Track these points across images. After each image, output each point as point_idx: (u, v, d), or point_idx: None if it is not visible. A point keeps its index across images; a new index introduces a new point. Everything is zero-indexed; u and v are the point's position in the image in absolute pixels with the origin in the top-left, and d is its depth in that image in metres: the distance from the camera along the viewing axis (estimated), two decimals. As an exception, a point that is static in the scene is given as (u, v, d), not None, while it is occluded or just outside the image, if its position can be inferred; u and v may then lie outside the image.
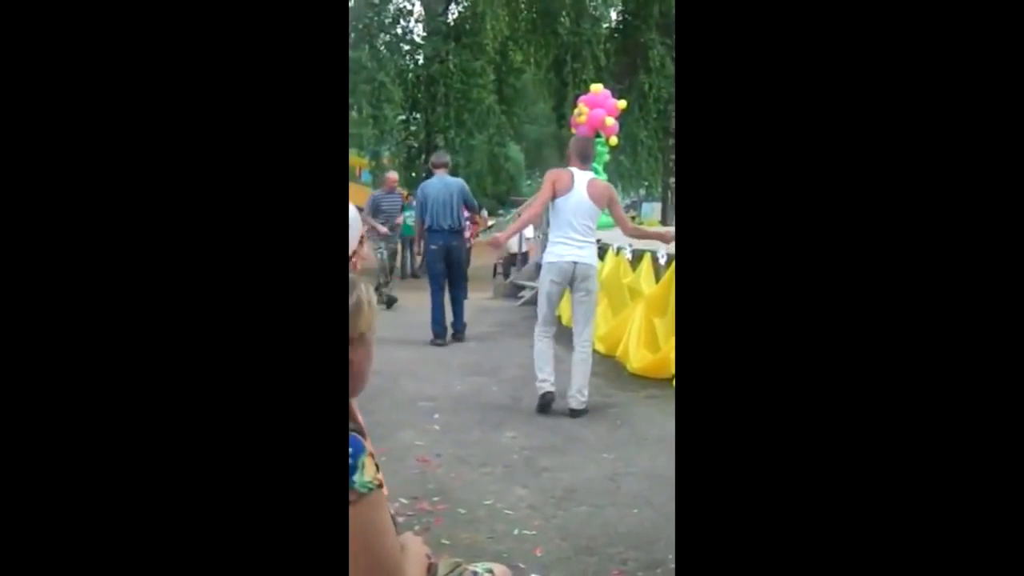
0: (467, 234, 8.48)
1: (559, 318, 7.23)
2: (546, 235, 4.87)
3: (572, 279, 4.22)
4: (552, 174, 4.30)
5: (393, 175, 9.04)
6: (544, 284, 4.32)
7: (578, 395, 4.19)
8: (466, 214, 7.03)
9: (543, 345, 4.31)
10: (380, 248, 8.47)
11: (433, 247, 6.43)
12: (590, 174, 4.34)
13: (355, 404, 1.32)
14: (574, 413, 4.16)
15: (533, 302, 8.51)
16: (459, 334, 6.50)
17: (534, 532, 2.65)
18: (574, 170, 4.24)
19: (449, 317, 6.49)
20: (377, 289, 8.34)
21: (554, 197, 4.19)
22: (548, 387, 4.23)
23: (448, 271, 6.47)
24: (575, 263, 4.17)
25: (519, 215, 6.70)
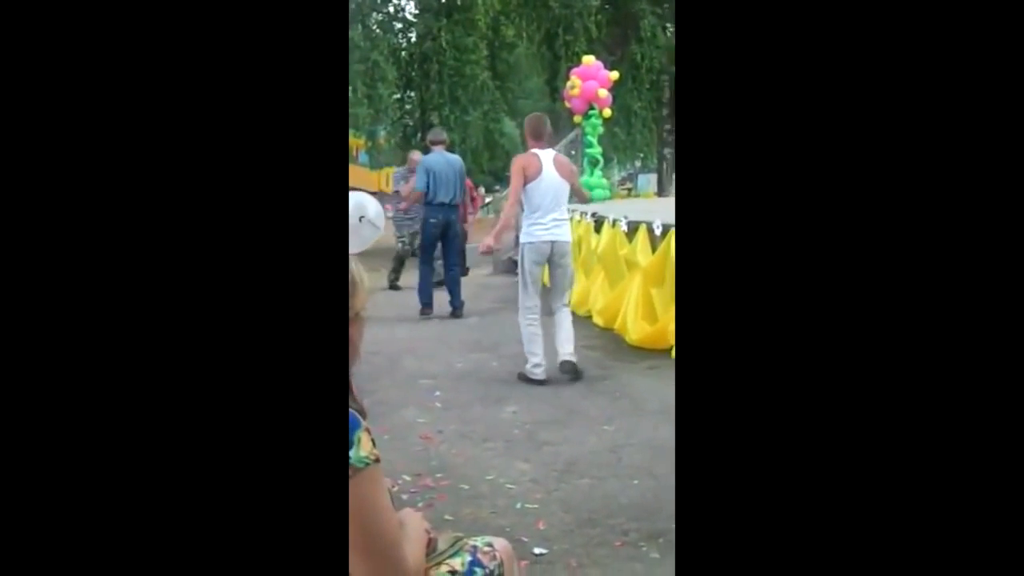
0: (470, 210, 8.48)
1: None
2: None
3: (551, 256, 4.35)
4: (520, 162, 4.35)
5: (416, 154, 8.79)
6: (526, 265, 4.39)
7: (571, 350, 4.36)
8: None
9: (534, 328, 4.39)
10: (403, 236, 8.39)
11: (432, 220, 6.44)
12: (551, 151, 4.44)
13: (354, 383, 1.33)
14: (570, 366, 4.31)
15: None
16: (457, 311, 6.53)
17: (536, 506, 2.68)
18: (537, 152, 4.34)
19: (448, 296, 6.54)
20: (393, 273, 8.25)
21: (526, 183, 4.27)
22: (542, 373, 4.34)
23: (444, 247, 6.52)
24: (552, 242, 4.31)
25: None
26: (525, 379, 4.37)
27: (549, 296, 4.55)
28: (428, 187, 6.30)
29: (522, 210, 4.46)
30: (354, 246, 1.81)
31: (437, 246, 6.54)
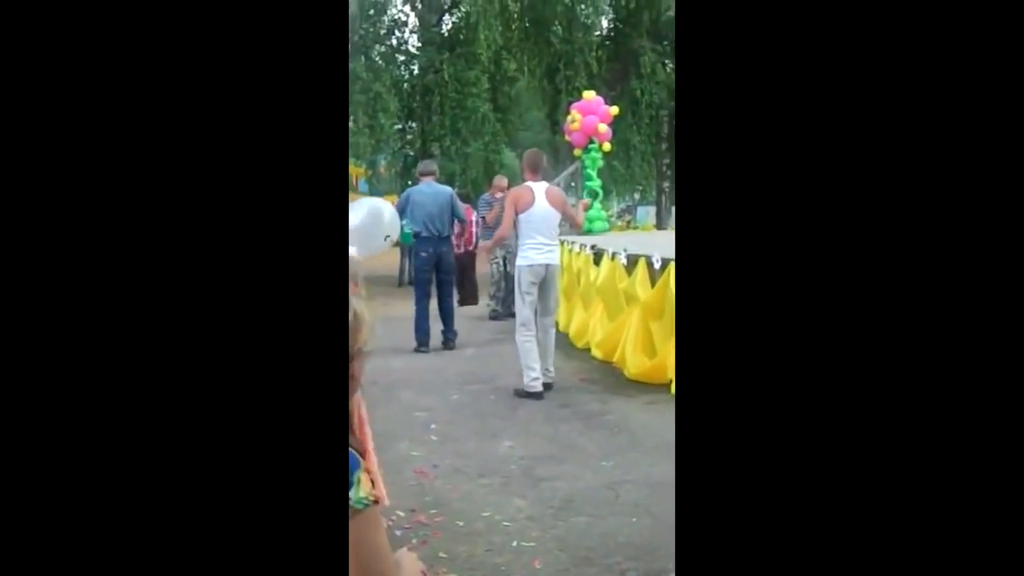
0: (463, 240, 8.43)
1: (556, 324, 7.24)
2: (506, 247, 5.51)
3: (544, 278, 4.82)
4: (512, 195, 4.95)
5: (502, 179, 8.66)
6: (523, 287, 4.84)
7: (548, 371, 4.86)
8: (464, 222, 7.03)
9: (530, 344, 4.79)
10: (496, 258, 8.15)
11: (423, 254, 6.39)
12: (544, 183, 4.93)
13: (365, 420, 1.31)
14: (545, 387, 4.74)
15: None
16: (450, 343, 6.47)
17: (532, 544, 2.62)
18: (531, 184, 4.87)
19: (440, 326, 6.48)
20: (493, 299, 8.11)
21: (519, 213, 4.78)
22: (539, 386, 4.70)
23: (437, 279, 6.47)
24: (547, 265, 4.81)
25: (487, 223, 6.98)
26: (524, 394, 4.66)
27: (536, 315, 4.95)
28: (412, 220, 6.25)
29: (516, 236, 5.01)
30: (364, 251, 1.79)
31: (431, 280, 6.45)
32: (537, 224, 4.75)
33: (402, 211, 6.21)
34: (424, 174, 6.63)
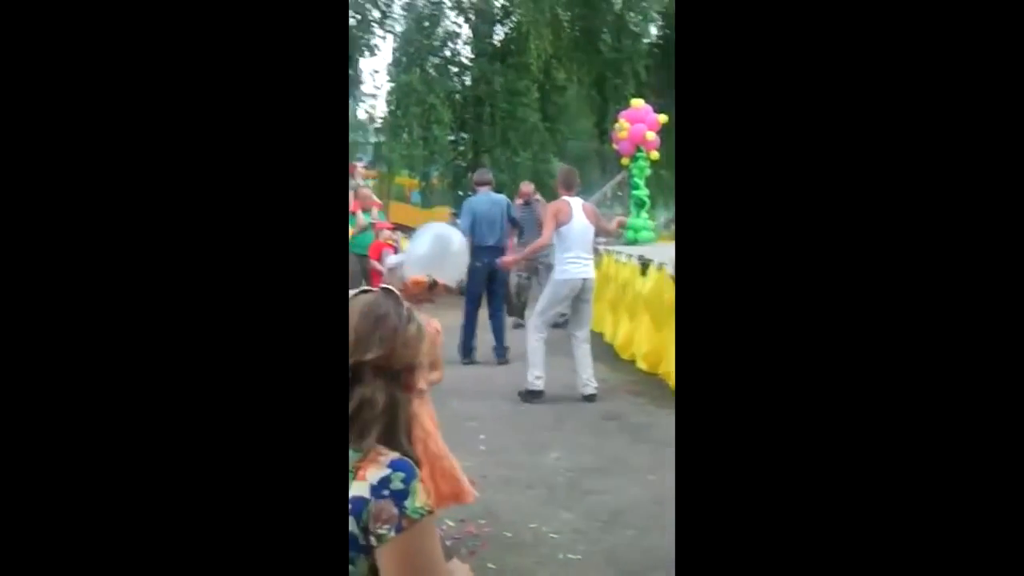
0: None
1: (602, 335, 7.24)
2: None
3: (580, 292, 4.93)
4: (553, 207, 5.04)
5: (527, 185, 8.37)
6: (559, 295, 4.98)
7: (590, 383, 4.93)
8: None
9: (539, 344, 4.96)
10: (522, 269, 7.84)
11: (479, 264, 6.10)
12: (579, 199, 5.10)
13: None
14: (590, 399, 4.86)
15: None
16: (502, 359, 6.31)
17: (579, 557, 2.67)
18: (568, 199, 4.99)
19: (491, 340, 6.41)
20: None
21: (559, 226, 4.88)
22: (541, 384, 4.92)
23: (490, 290, 6.35)
24: (584, 279, 4.93)
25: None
26: (527, 394, 4.92)
27: (569, 328, 5.13)
28: (472, 230, 6.11)
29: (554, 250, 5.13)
30: (448, 276, 1.81)
31: (483, 292, 6.32)
32: (576, 239, 4.89)
33: (471, 225, 6.13)
34: (480, 183, 6.55)
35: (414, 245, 1.81)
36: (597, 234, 5.28)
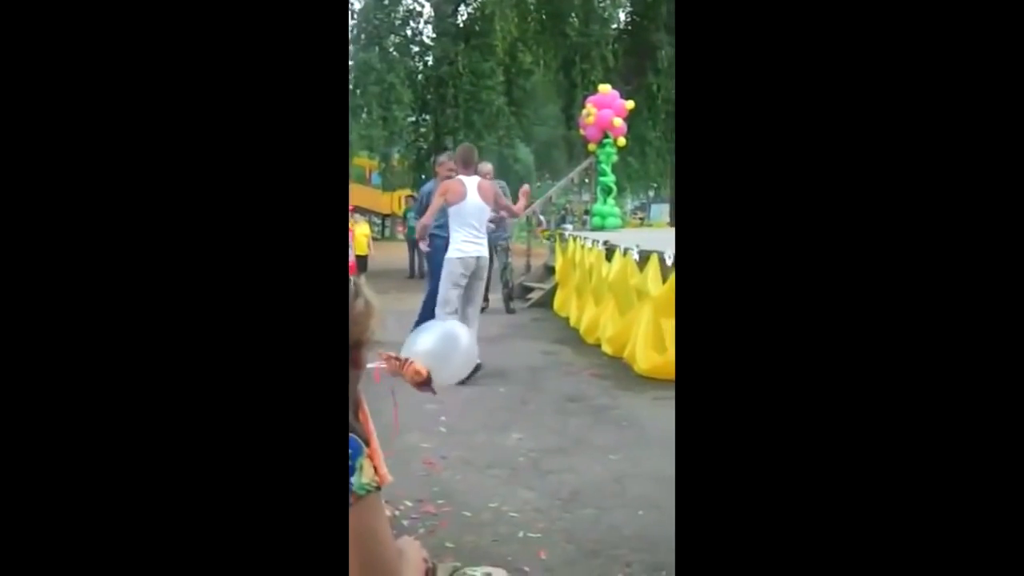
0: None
1: (567, 319, 7.23)
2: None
3: (474, 270, 4.97)
4: (443, 186, 5.04)
5: (485, 165, 8.32)
6: (455, 275, 4.96)
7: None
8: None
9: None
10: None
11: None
12: (476, 178, 5.06)
13: (365, 406, 1.31)
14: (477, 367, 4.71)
15: (541, 304, 8.52)
16: None
17: (539, 535, 2.63)
18: (463, 178, 4.98)
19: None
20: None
21: (451, 206, 4.91)
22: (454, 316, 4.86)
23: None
24: (478, 257, 4.97)
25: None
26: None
27: (460, 303, 5.07)
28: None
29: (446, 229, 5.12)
30: (448, 377, 1.71)
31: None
32: (468, 217, 4.93)
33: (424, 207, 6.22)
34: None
35: (420, 337, 1.72)
36: (496, 211, 5.32)
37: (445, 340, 1.72)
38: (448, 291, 5.02)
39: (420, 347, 1.74)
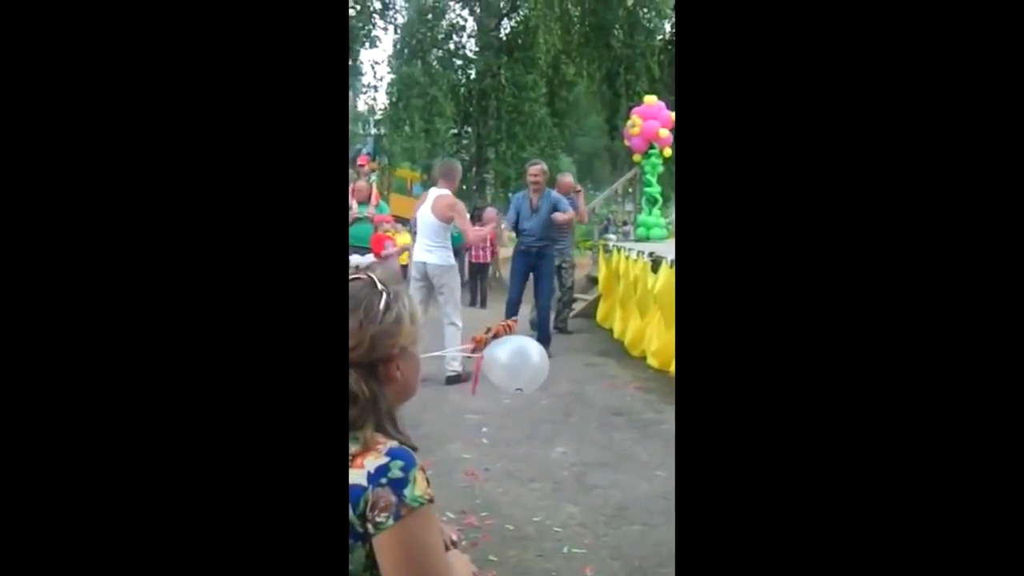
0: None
1: (611, 331, 7.15)
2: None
3: (427, 277, 5.22)
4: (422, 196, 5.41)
5: (566, 176, 7.91)
6: (413, 277, 5.34)
7: (452, 363, 5.09)
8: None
9: (453, 332, 5.10)
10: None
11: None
12: (441, 191, 5.25)
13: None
14: (453, 379, 4.99)
15: (584, 314, 8.43)
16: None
17: (584, 551, 2.57)
18: (431, 190, 5.34)
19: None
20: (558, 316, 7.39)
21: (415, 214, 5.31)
22: (456, 367, 5.03)
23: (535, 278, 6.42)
24: (424, 263, 5.23)
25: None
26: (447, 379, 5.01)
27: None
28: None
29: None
30: (527, 385, 1.69)
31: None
32: (420, 227, 5.30)
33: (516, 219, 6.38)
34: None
35: (497, 350, 1.74)
36: (448, 223, 5.34)
37: (518, 355, 1.71)
38: (417, 296, 5.23)
39: (497, 359, 1.73)
